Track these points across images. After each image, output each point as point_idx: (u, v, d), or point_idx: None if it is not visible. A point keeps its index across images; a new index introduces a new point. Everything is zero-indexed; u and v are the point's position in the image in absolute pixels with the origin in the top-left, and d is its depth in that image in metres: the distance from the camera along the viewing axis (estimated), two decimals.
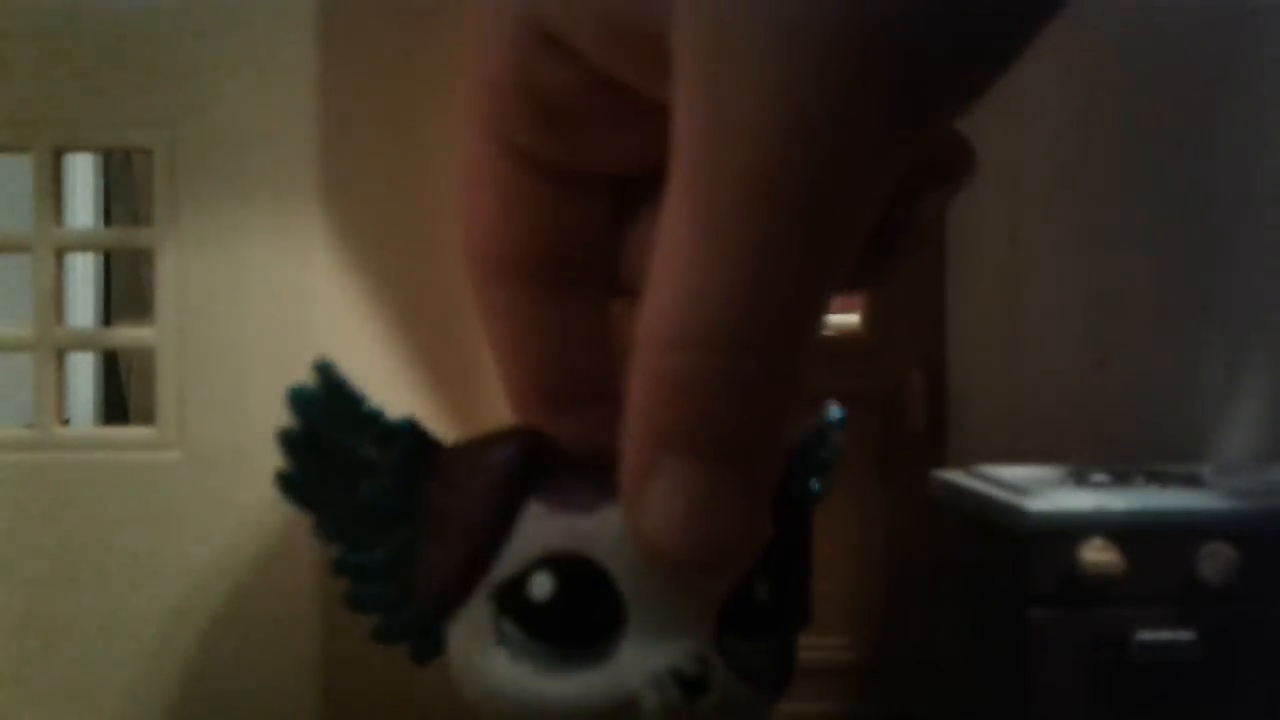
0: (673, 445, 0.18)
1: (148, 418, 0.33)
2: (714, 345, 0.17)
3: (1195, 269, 0.46)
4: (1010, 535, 0.30)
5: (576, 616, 0.20)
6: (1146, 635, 0.29)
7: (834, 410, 0.24)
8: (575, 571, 0.20)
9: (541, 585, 0.20)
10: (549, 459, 0.21)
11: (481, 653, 0.20)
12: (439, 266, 0.35)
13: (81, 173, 1.17)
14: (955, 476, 0.36)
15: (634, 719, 0.19)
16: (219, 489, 0.32)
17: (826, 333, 0.51)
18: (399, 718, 0.33)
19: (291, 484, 0.23)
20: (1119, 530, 0.29)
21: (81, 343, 0.36)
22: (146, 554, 0.32)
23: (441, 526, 0.21)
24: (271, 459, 0.32)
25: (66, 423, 0.33)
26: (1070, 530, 0.29)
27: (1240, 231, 0.46)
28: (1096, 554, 0.28)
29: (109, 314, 1.24)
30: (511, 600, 0.20)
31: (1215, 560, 0.29)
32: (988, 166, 0.47)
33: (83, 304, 1.22)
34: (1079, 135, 0.46)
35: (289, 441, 0.23)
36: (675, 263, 0.17)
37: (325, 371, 0.23)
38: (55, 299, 0.33)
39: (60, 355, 0.33)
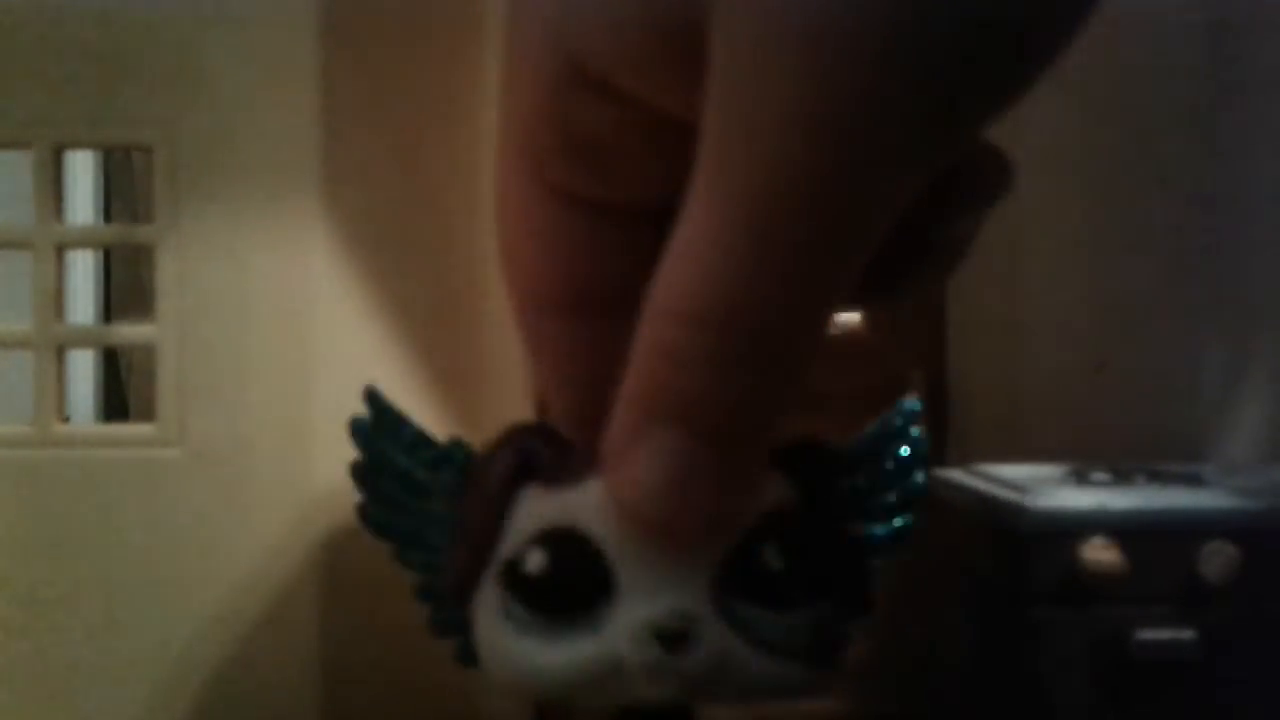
0: (659, 416, 0.18)
1: (148, 415, 0.33)
2: (712, 323, 0.17)
3: (1195, 269, 0.46)
4: (1010, 534, 0.30)
5: (567, 586, 0.21)
6: (1147, 634, 0.29)
7: (909, 404, 0.24)
8: (564, 543, 0.20)
9: (535, 559, 0.21)
10: (552, 450, 0.22)
11: (492, 631, 0.21)
12: (439, 266, 0.35)
13: (81, 170, 1.16)
14: (955, 475, 0.36)
15: (624, 680, 0.19)
16: (219, 486, 0.32)
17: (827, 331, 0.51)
18: (399, 716, 0.33)
19: (367, 515, 0.24)
20: (1120, 529, 0.29)
21: (82, 340, 0.36)
22: (146, 551, 0.32)
23: (460, 519, 0.23)
24: (271, 456, 0.32)
25: (67, 420, 0.33)
26: (1071, 529, 0.29)
27: (1240, 231, 0.46)
28: (1097, 553, 0.28)
29: (109, 311, 1.24)
30: (512, 578, 0.21)
31: (1216, 559, 0.29)
32: None
33: (83, 301, 1.22)
34: (1079, 136, 0.46)
35: (358, 473, 0.24)
36: (689, 242, 0.18)
37: (374, 400, 0.24)
38: (55, 296, 0.33)
39: (60, 352, 0.33)
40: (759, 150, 0.16)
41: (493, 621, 0.21)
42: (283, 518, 0.32)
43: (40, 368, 0.33)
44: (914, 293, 0.22)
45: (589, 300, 0.22)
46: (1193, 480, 0.32)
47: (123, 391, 1.20)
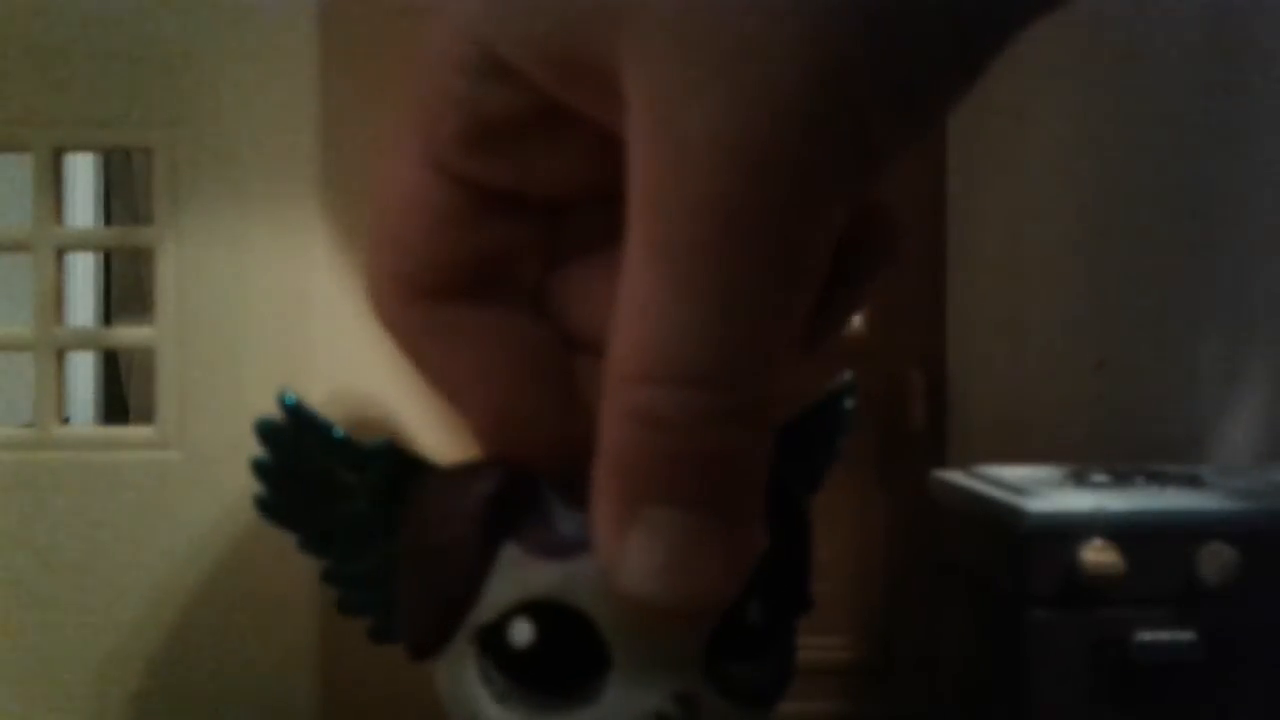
0: (648, 492, 0.17)
1: (147, 417, 0.33)
2: (684, 379, 0.17)
3: (1195, 269, 0.46)
4: (1010, 535, 0.30)
5: (558, 662, 0.20)
6: (1146, 635, 0.29)
7: (845, 379, 0.23)
8: (555, 617, 0.20)
9: (521, 632, 0.20)
10: (525, 495, 0.21)
11: (467, 692, 0.21)
12: None
13: (81, 172, 1.17)
14: (955, 476, 0.36)
15: None
16: (219, 488, 0.32)
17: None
18: (397, 716, 0.33)
19: (268, 506, 0.23)
20: (1119, 530, 0.29)
21: (81, 342, 0.36)
22: (146, 552, 0.32)
23: (423, 560, 0.21)
24: None
25: (66, 422, 0.33)
26: (1070, 530, 0.29)
27: (1240, 231, 0.46)
28: (1096, 554, 0.28)
29: (109, 313, 1.24)
30: (492, 645, 0.20)
31: (1215, 560, 0.29)
32: (989, 168, 0.47)
33: (83, 303, 1.22)
34: (1079, 137, 0.46)
35: (261, 470, 0.23)
36: (638, 300, 0.17)
37: (291, 407, 0.23)
38: (55, 298, 0.33)
39: (60, 355, 0.33)
40: (693, 191, 0.16)
41: (468, 683, 0.21)
42: None
43: (40, 370, 0.33)
44: (814, 347, 0.22)
45: (473, 283, 0.21)
46: (1191, 481, 0.32)
47: (123, 394, 1.20)
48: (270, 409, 0.33)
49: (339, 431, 0.23)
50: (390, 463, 0.22)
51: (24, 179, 0.32)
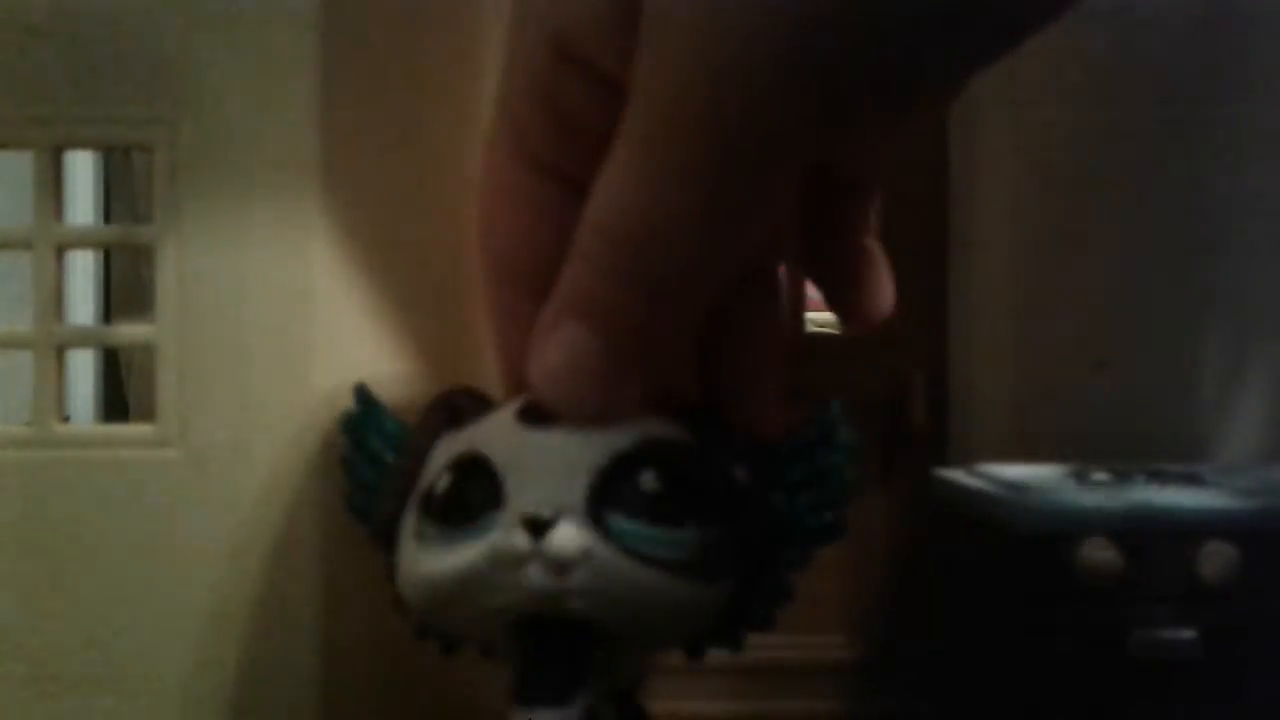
0: (570, 312, 0.22)
1: (148, 415, 0.33)
2: (617, 238, 0.20)
3: (1195, 269, 0.46)
4: (1010, 534, 0.30)
5: (464, 499, 0.22)
6: (1146, 634, 0.29)
7: (834, 408, 0.25)
8: (465, 464, 0.23)
9: (442, 481, 0.23)
10: (473, 405, 0.24)
11: (405, 553, 0.23)
12: (439, 266, 0.35)
13: (81, 170, 1.16)
14: (956, 476, 0.36)
15: (502, 576, 0.21)
16: (219, 487, 0.32)
17: (827, 332, 0.51)
18: (397, 714, 0.33)
19: (348, 500, 0.27)
20: (1119, 529, 0.29)
21: (82, 340, 0.36)
22: (146, 551, 0.32)
23: (393, 468, 0.26)
24: (271, 456, 0.32)
25: (66, 420, 0.33)
26: (1070, 529, 0.29)
27: (1240, 231, 0.46)
28: (1096, 553, 0.28)
29: (109, 311, 1.24)
30: (425, 503, 0.23)
31: (1215, 559, 0.29)
32: (990, 167, 0.47)
33: (83, 301, 1.22)
34: (1079, 136, 0.46)
35: (343, 463, 0.27)
36: (611, 168, 0.20)
37: (361, 392, 0.27)
38: (55, 296, 0.33)
39: (60, 353, 0.33)
40: (663, 85, 0.19)
41: (407, 545, 0.23)
42: (282, 518, 0.32)
43: (40, 368, 0.33)
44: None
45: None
46: (1191, 480, 0.32)
47: (123, 392, 1.20)
48: (271, 408, 0.33)
49: (392, 418, 0.27)
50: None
51: (24, 178, 0.32)
